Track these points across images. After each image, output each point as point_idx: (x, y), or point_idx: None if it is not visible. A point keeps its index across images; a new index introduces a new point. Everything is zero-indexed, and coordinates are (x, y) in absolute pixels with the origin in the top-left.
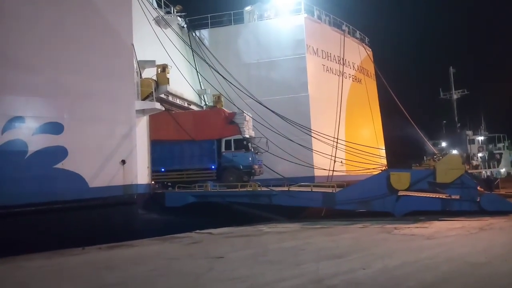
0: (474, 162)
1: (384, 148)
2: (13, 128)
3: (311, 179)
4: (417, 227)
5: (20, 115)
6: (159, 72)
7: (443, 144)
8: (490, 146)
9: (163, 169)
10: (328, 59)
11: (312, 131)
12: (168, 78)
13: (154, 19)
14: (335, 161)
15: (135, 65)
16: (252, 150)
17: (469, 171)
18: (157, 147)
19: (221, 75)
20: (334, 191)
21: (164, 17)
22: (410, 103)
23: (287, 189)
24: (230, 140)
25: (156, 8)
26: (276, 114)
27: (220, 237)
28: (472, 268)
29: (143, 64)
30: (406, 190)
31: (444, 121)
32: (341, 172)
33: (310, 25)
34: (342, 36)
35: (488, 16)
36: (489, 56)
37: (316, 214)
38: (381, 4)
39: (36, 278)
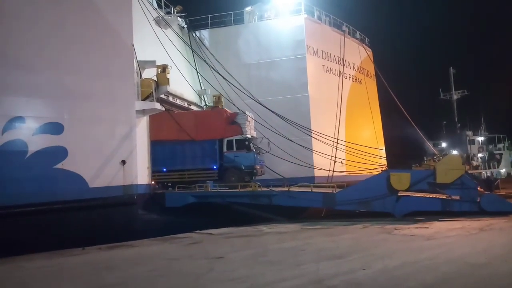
0: (474, 163)
1: (384, 148)
2: (13, 128)
3: (311, 179)
4: (417, 228)
5: (20, 115)
6: (159, 72)
7: (443, 144)
8: (490, 146)
9: (164, 169)
10: (328, 60)
11: (312, 131)
12: (168, 79)
13: (154, 19)
14: (335, 162)
15: (135, 65)
16: (254, 150)
17: (469, 172)
18: (158, 147)
19: (221, 76)
20: (334, 192)
21: (164, 17)
22: (410, 103)
23: (287, 190)
24: (232, 140)
25: (156, 9)
26: (276, 114)
27: (220, 238)
28: (472, 269)
29: (143, 65)
30: (406, 190)
31: (444, 122)
32: (341, 172)
33: (310, 26)
34: (342, 37)
35: (488, 16)
36: (489, 56)
37: (316, 215)
38: (381, 4)
39: (36, 278)
